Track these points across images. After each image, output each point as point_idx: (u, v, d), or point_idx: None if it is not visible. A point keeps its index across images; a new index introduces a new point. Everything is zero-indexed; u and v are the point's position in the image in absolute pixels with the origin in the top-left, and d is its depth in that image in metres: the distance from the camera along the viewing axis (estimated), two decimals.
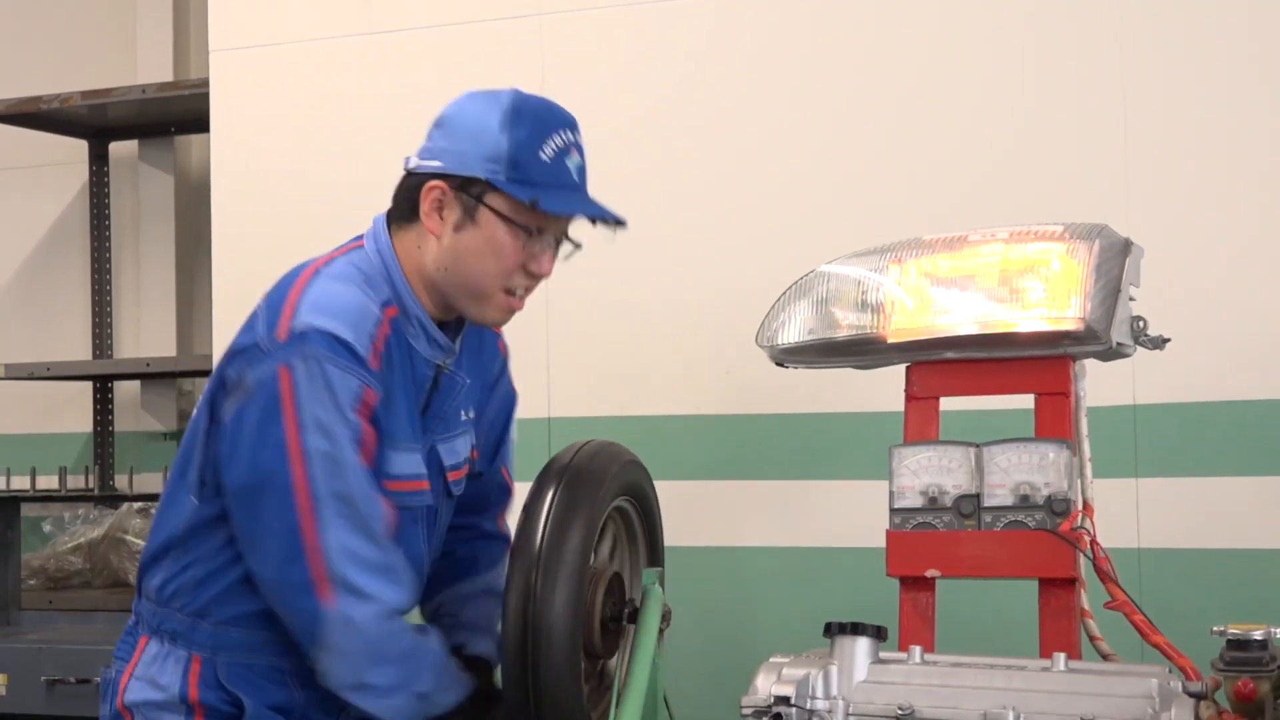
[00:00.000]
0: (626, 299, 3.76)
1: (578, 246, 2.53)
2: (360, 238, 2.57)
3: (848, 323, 2.70)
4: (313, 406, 2.34)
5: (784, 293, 2.76)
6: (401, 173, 2.55)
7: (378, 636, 2.39)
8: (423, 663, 2.45)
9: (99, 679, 4.03)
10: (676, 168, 3.76)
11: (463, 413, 2.64)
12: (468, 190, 2.44)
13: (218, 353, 4.05)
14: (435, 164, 2.46)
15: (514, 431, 2.81)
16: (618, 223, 2.50)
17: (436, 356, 2.54)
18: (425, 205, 2.46)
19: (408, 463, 2.50)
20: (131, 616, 2.61)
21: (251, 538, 2.40)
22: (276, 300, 2.43)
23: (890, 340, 2.67)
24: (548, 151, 2.42)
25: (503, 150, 2.40)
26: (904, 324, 2.66)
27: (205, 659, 2.48)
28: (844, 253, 2.79)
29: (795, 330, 2.73)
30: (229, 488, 2.41)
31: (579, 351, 3.70)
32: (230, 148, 4.23)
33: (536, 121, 2.43)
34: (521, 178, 2.40)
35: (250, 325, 2.45)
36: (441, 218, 2.46)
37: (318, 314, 2.38)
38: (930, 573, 2.58)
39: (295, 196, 4.11)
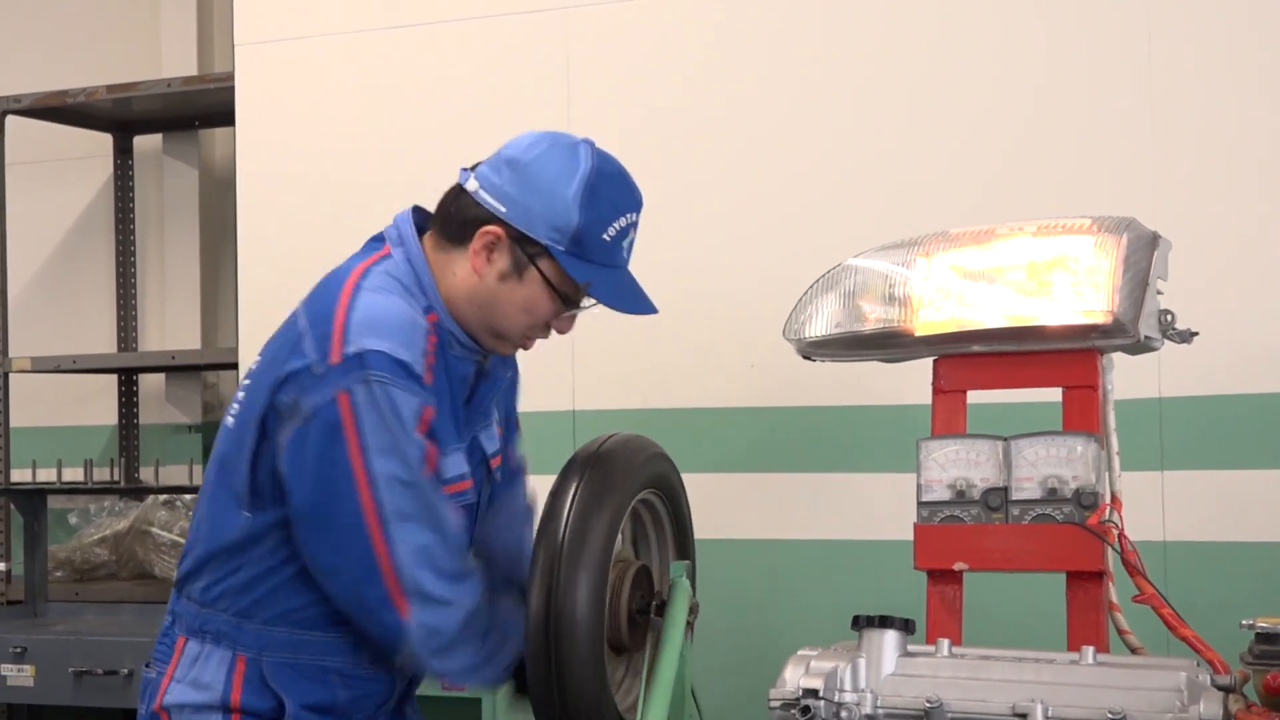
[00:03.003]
0: (651, 292, 3.73)
1: (599, 302, 2.54)
2: (380, 240, 2.56)
3: (875, 316, 2.69)
4: (376, 430, 2.35)
5: (811, 286, 2.76)
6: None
7: (459, 634, 2.44)
8: (502, 632, 2.51)
9: (131, 672, 4.12)
10: (701, 159, 3.75)
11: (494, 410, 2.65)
12: (524, 247, 2.44)
13: (243, 346, 4.10)
14: (499, 207, 2.44)
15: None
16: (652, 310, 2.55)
17: (474, 358, 2.55)
18: (477, 244, 2.45)
19: (455, 464, 2.52)
20: (167, 616, 2.60)
21: (323, 561, 2.42)
22: (322, 319, 2.41)
23: (917, 334, 2.67)
24: (610, 232, 2.44)
25: (571, 224, 2.41)
26: (931, 317, 2.65)
27: (250, 659, 2.48)
28: (871, 243, 2.78)
29: (822, 323, 2.73)
30: (294, 509, 2.41)
31: (603, 344, 3.68)
32: (255, 141, 4.24)
33: (610, 204, 2.45)
34: (581, 254, 2.43)
35: (296, 344, 2.42)
36: (489, 260, 2.46)
37: (370, 334, 2.37)
38: (958, 566, 2.57)
39: (320, 190, 4.12)
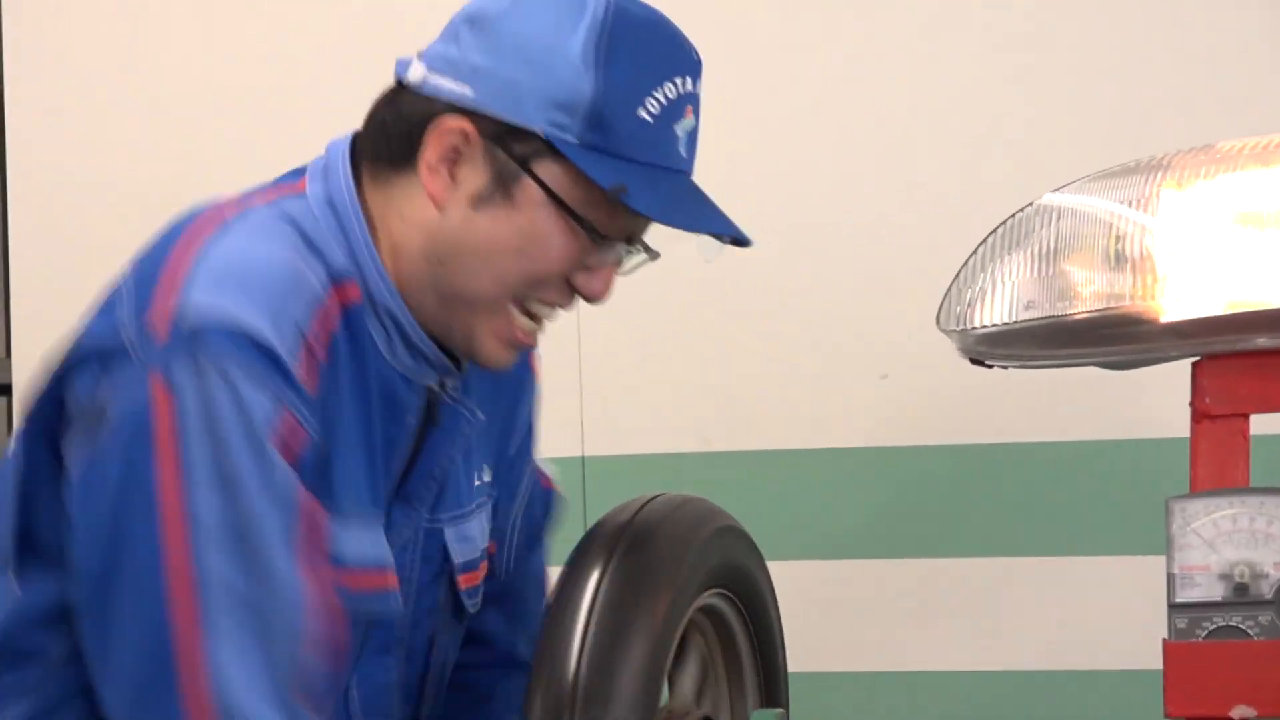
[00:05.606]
0: (701, 268, 3.82)
1: (654, 256, 2.52)
2: (299, 173, 2.53)
3: (1092, 290, 2.73)
4: (205, 444, 2.31)
5: (984, 241, 2.80)
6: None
7: None
8: None
9: None
10: (784, 79, 3.90)
11: (477, 475, 2.66)
12: (508, 145, 2.39)
13: (17, 364, 4.19)
14: (461, 88, 2.41)
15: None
16: (740, 241, 2.48)
17: (424, 375, 2.53)
18: (432, 152, 2.41)
19: (361, 541, 2.49)
20: None
21: (101, 650, 2.36)
22: (152, 266, 2.39)
23: (1164, 319, 2.71)
24: (651, 107, 2.39)
25: (583, 95, 2.36)
26: (1187, 292, 2.70)
27: None
28: (1078, 174, 2.84)
29: (1003, 304, 2.78)
30: (79, 575, 2.37)
31: (624, 356, 3.79)
32: (30, 54, 4.32)
33: (644, 61, 2.39)
34: (605, 145, 2.38)
35: (109, 307, 2.40)
36: (454, 178, 2.42)
37: (219, 291, 2.34)
38: (1238, 712, 2.62)
39: (139, 127, 4.20)
